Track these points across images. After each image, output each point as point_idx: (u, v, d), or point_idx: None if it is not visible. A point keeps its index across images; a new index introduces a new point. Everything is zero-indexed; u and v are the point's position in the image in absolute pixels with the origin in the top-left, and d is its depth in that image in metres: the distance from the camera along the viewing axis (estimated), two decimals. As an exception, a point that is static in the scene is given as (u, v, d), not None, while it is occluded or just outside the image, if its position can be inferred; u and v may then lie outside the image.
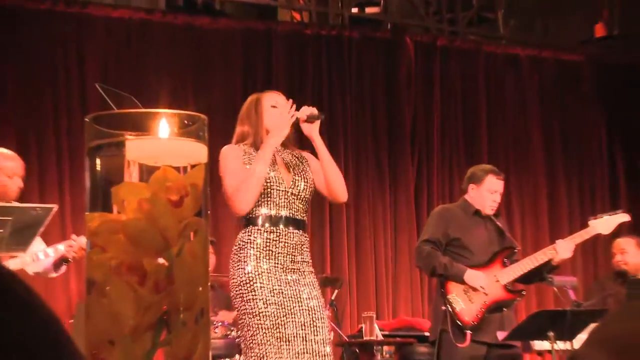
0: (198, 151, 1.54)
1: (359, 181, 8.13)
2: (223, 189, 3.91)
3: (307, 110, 3.97)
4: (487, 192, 5.35)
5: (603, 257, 8.49)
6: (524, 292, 5.39)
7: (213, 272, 6.22)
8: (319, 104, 8.12)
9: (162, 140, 1.53)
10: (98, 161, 1.52)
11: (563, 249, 5.26)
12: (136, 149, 1.51)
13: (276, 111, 4.00)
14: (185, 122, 1.56)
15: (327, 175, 3.97)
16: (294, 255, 3.85)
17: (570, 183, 9.04)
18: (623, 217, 5.49)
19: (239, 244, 3.88)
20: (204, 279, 1.47)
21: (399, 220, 8.29)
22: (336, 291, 6.86)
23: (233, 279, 3.84)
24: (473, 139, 8.74)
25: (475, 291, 5.17)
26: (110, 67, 7.38)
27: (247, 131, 4.01)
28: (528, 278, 5.38)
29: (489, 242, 5.34)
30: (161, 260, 1.42)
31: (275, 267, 3.79)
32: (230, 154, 3.95)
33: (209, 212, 1.55)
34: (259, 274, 3.76)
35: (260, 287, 3.75)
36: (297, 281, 3.82)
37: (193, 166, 1.51)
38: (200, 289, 1.45)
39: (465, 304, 5.17)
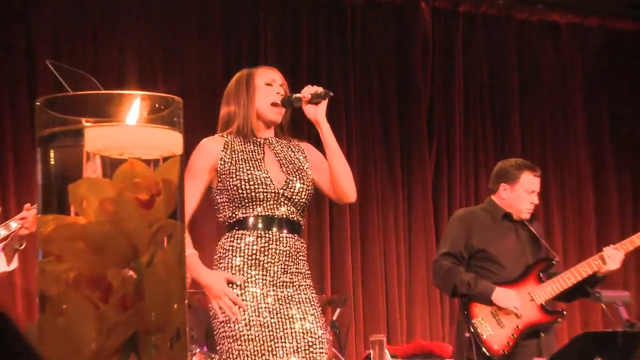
0: (172, 140, 1.55)
1: (365, 178, 8.13)
2: None
3: (311, 89, 3.98)
4: (524, 193, 5.36)
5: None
6: (564, 313, 5.40)
7: (190, 288, 6.23)
8: (316, 84, 8.11)
9: (129, 128, 1.54)
10: (51, 153, 1.53)
11: (612, 258, 5.26)
12: (97, 138, 1.52)
13: (271, 90, 4.00)
14: (157, 105, 1.57)
15: (334, 169, 3.98)
16: (287, 265, 3.83)
17: (622, 177, 9.05)
18: None
19: (220, 252, 3.88)
20: (180, 294, 1.49)
21: (414, 224, 8.30)
22: (338, 310, 6.88)
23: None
24: (503, 126, 8.76)
25: (506, 313, 5.18)
26: (62, 40, 7.38)
27: (234, 112, 3.99)
28: (570, 294, 5.40)
29: (521, 253, 5.35)
30: (129, 272, 1.44)
31: (263, 280, 3.79)
32: (198, 155, 3.92)
33: (185, 213, 1.56)
34: (242, 290, 3.77)
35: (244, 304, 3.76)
36: (290, 297, 3.81)
37: (166, 158, 1.52)
38: (176, 306, 1.46)
39: (493, 330, 5.19)
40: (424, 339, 7.86)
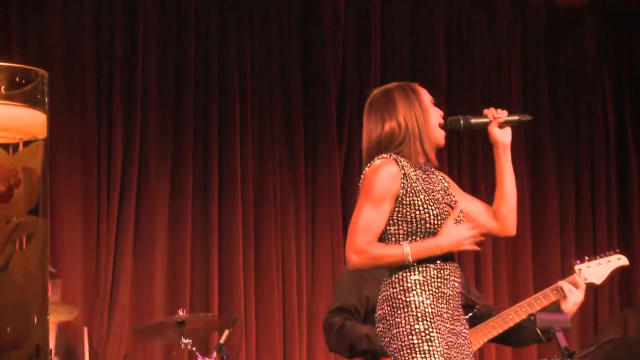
0: (34, 122, 1.54)
1: (261, 175, 8.13)
2: (353, 217, 4.17)
3: (501, 112, 4.42)
4: None
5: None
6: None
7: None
8: (204, 63, 8.08)
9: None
10: None
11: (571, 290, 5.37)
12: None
13: (437, 111, 4.35)
14: (17, 79, 1.56)
15: (510, 198, 4.45)
16: (457, 302, 4.21)
17: (564, 190, 9.15)
18: (619, 262, 5.55)
19: (402, 287, 4.10)
20: (41, 305, 1.48)
21: (319, 232, 8.29)
22: (227, 331, 6.87)
23: (400, 333, 4.05)
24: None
25: None
26: None
27: (405, 128, 4.25)
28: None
29: None
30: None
31: (446, 313, 4.12)
32: (384, 178, 4.17)
33: (48, 209, 1.55)
34: (434, 325, 4.05)
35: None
36: (462, 346, 4.16)
37: (27, 143, 1.52)
38: (36, 319, 1.46)
39: None
40: (327, 366, 7.90)
